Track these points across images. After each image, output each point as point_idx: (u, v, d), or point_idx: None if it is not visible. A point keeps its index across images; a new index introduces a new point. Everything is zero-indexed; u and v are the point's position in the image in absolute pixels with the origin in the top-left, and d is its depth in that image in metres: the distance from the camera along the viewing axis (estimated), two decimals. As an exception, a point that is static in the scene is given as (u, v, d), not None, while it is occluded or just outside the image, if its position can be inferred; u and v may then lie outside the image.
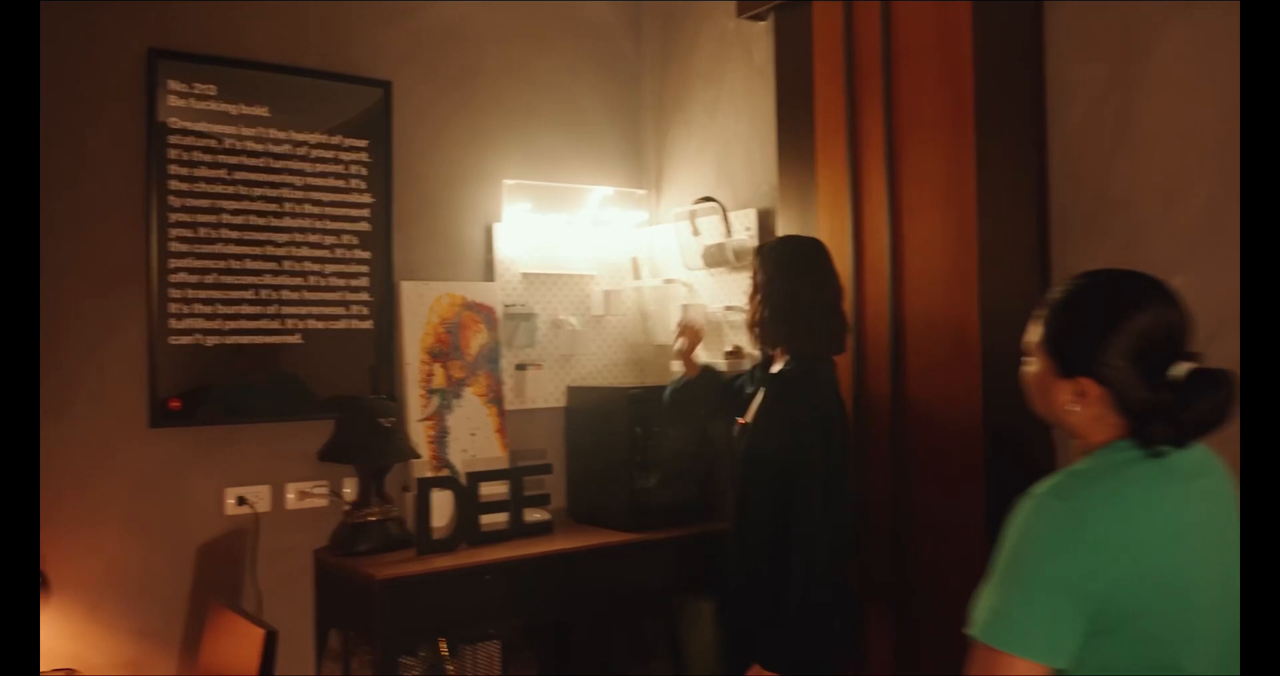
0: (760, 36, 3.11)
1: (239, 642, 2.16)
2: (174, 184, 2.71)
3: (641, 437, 3.05)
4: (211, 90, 2.77)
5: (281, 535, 2.82)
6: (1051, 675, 1.27)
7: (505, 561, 2.72)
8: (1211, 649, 1.32)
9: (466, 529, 2.81)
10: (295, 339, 2.87)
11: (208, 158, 2.76)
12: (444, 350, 3.09)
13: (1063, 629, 1.26)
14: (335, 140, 2.96)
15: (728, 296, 3.19)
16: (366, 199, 3.01)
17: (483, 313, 3.17)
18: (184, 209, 2.72)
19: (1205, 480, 1.36)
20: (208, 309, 2.74)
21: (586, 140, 3.48)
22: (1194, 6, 2.08)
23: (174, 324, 2.69)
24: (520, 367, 3.26)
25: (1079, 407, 1.36)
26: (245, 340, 2.80)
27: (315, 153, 2.93)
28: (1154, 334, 1.32)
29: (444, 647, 2.80)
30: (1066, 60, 2.30)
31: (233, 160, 2.79)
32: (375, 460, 2.82)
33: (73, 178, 2.58)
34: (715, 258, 3.17)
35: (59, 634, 2.49)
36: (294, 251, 2.88)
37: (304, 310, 2.89)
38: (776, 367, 2.39)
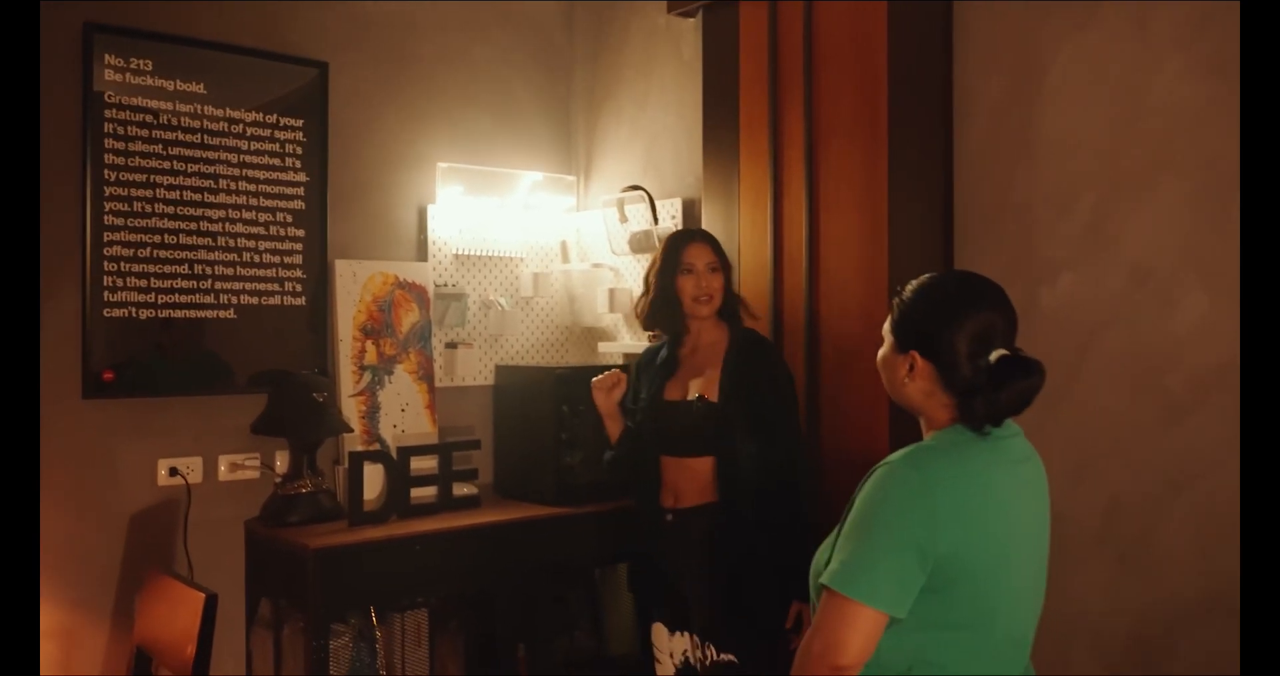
0: (689, 33, 3.24)
1: (178, 607, 2.22)
2: (110, 158, 2.73)
3: (567, 416, 3.17)
4: (148, 65, 2.79)
5: (213, 506, 2.88)
6: (886, 622, 1.43)
7: (434, 533, 2.82)
8: (1020, 609, 1.52)
9: (397, 501, 2.90)
10: (229, 314, 2.92)
11: (144, 132, 2.78)
12: (376, 328, 3.16)
13: (906, 582, 1.42)
14: (271, 119, 3.00)
15: (653, 282, 3.32)
16: (301, 178, 3.06)
17: (415, 292, 3.26)
18: (119, 182, 2.74)
19: (1028, 466, 1.56)
20: (142, 282, 2.77)
21: (519, 127, 3.57)
22: (1086, 29, 2.27)
23: (108, 296, 2.72)
24: (451, 346, 3.35)
25: (910, 380, 1.55)
26: (179, 314, 2.83)
27: (251, 130, 2.96)
28: (976, 320, 1.50)
29: (374, 616, 2.90)
30: (972, 73, 2.48)
31: (169, 136, 2.82)
32: (308, 434, 2.88)
33: (7, 149, 2.59)
34: (642, 244, 3.30)
35: (-12, 601, 2.52)
36: (229, 227, 2.92)
37: (238, 286, 2.93)
38: (714, 338, 2.60)
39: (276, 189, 3.01)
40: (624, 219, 3.37)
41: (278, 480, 2.90)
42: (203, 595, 2.14)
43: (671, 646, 2.61)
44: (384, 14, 3.25)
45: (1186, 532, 2.11)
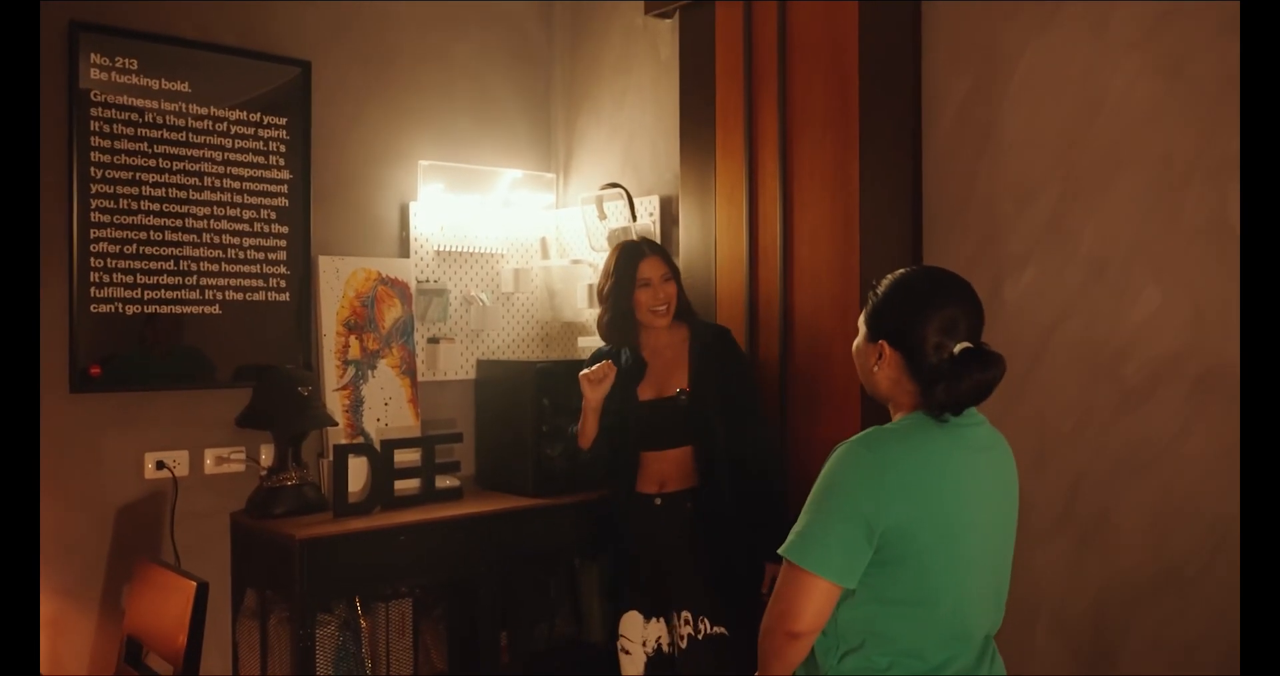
0: (666, 33, 3.31)
1: (169, 596, 2.27)
2: (95, 155, 2.77)
3: (547, 409, 3.23)
4: (133, 64, 2.83)
5: (199, 498, 2.92)
6: (839, 593, 1.52)
7: (417, 524, 2.88)
8: (969, 591, 1.58)
9: (381, 493, 2.96)
10: (214, 309, 2.97)
11: (129, 131, 2.83)
12: (359, 323, 3.21)
13: (855, 554, 1.51)
14: (255, 117, 3.05)
15: (631, 277, 3.39)
16: (285, 175, 3.11)
17: (397, 287, 3.31)
18: (105, 180, 2.79)
19: (993, 453, 1.64)
20: (128, 278, 2.82)
21: (499, 124, 3.63)
22: (1047, 29, 2.35)
23: (95, 292, 2.76)
24: (433, 341, 3.41)
25: (879, 368, 1.63)
26: (165, 309, 2.88)
27: (235, 129, 3.01)
28: (942, 313, 1.58)
29: (358, 605, 2.95)
30: (940, 72, 2.56)
31: (154, 134, 2.87)
32: (293, 427, 2.94)
33: (-6, 147, 2.62)
34: (620, 240, 3.36)
35: (-22, 592, 2.56)
36: (213, 224, 2.97)
37: (223, 282, 2.98)
38: (674, 337, 2.75)
39: (260, 186, 3.06)
40: (603, 216, 3.44)
41: (263, 473, 2.96)
42: (194, 583, 2.19)
43: (645, 634, 2.69)
44: (365, 12, 3.30)
45: (1141, 513, 2.20)
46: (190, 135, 2.93)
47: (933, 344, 1.57)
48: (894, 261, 2.62)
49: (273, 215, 3.08)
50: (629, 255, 2.73)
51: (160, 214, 2.87)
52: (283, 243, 3.10)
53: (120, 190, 2.81)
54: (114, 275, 2.79)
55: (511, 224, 3.60)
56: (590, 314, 3.54)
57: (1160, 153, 2.17)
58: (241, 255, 3.02)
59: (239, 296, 3.01)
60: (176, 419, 2.90)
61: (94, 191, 2.77)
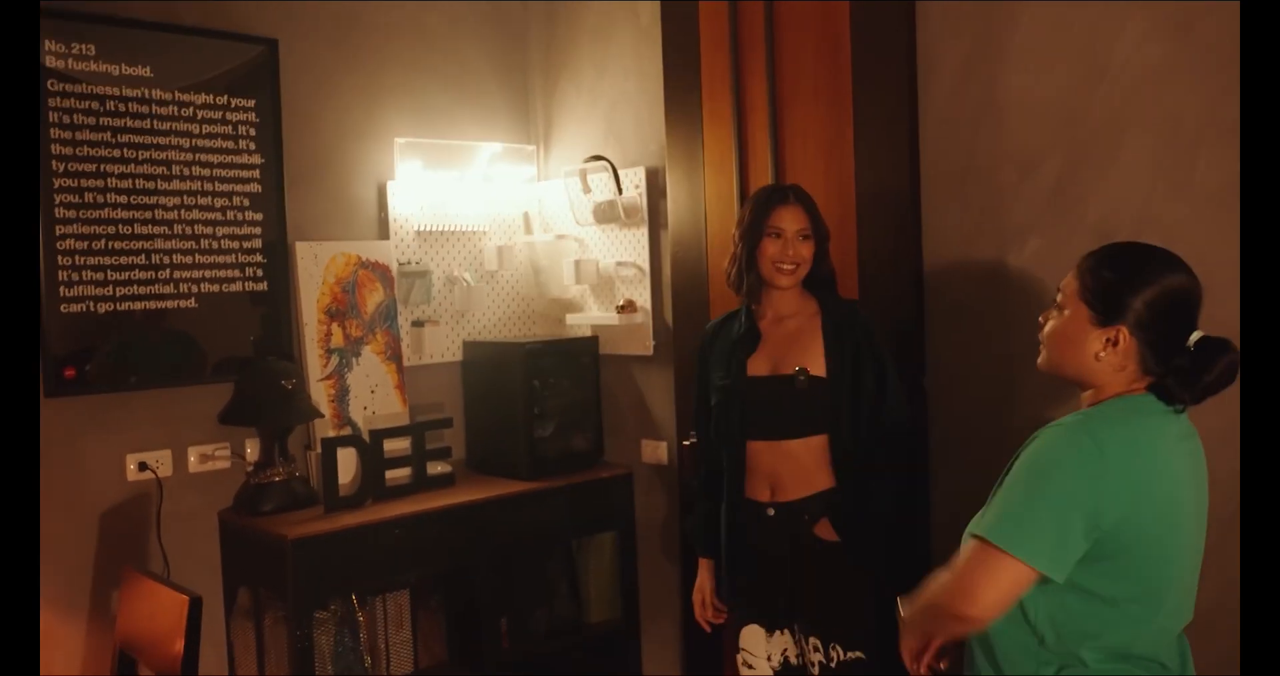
0: (646, -2, 3.19)
1: (161, 609, 2.20)
2: (57, 148, 2.64)
3: (538, 390, 3.17)
4: (90, 50, 2.69)
5: (185, 498, 2.84)
6: (1036, 581, 1.40)
7: (411, 515, 2.82)
8: (1186, 583, 1.49)
9: (372, 485, 2.89)
10: (190, 303, 2.86)
11: (90, 120, 2.70)
12: (341, 309, 3.12)
13: (1068, 544, 1.39)
14: (221, 100, 2.92)
15: (619, 252, 3.30)
16: (256, 159, 2.99)
17: (378, 271, 3.21)
18: (68, 173, 2.66)
19: (1191, 443, 1.54)
20: (98, 275, 2.71)
21: (475, 97, 3.51)
22: (1049, -10, 2.26)
23: (64, 291, 2.65)
24: (417, 324, 3.32)
25: (1106, 355, 1.50)
26: (139, 305, 2.77)
27: (202, 113, 2.88)
28: (1183, 296, 1.48)
29: (354, 600, 2.89)
30: (935, 35, 2.46)
31: (117, 122, 2.74)
32: (277, 421, 2.85)
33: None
34: (606, 214, 3.27)
35: (-38, 606, 2.48)
36: (184, 214, 2.85)
37: (197, 273, 2.88)
38: (799, 307, 2.34)
39: (231, 172, 2.94)
40: (587, 189, 3.34)
41: (249, 469, 2.88)
42: (186, 597, 2.12)
43: (770, 648, 2.34)
44: (331, -14, 3.16)
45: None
46: (155, 122, 2.80)
47: (1176, 331, 1.47)
48: (892, 230, 2.55)
49: (245, 202, 2.96)
50: (765, 198, 2.33)
51: (128, 206, 2.75)
52: (257, 230, 2.99)
53: (85, 183, 2.69)
54: (83, 272, 2.68)
55: (493, 200, 3.49)
56: (578, 290, 3.46)
57: (1168, 116, 2.10)
58: (215, 245, 2.91)
59: (215, 288, 2.91)
60: (157, 418, 2.81)
61: (57, 186, 2.64)
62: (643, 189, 3.22)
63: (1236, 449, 1.47)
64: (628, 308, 3.24)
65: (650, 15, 3.17)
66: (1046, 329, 1.61)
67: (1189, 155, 2.07)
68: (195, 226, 2.87)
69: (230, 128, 2.94)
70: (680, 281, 3.10)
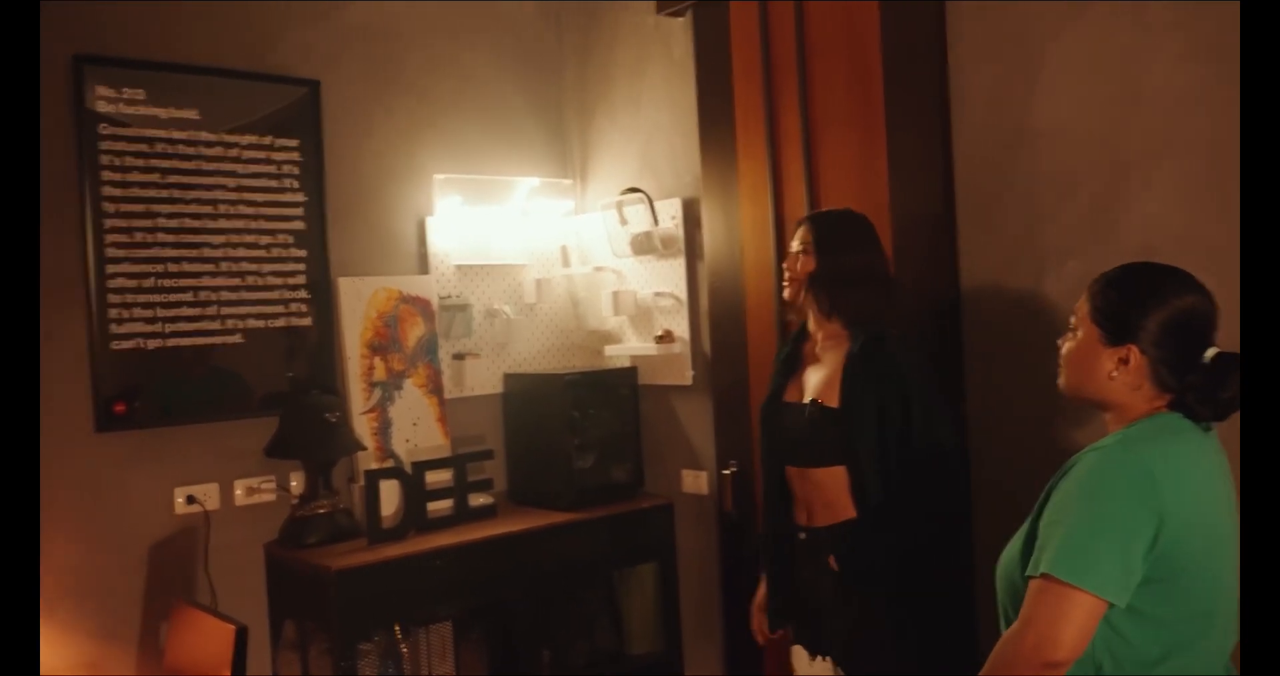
0: (679, 32, 3.23)
1: (207, 639, 2.23)
2: (108, 190, 2.72)
3: (578, 420, 3.18)
4: (140, 94, 2.78)
5: (232, 531, 2.88)
6: (1103, 613, 1.37)
7: (453, 546, 2.84)
8: (1232, 604, 1.46)
9: (414, 516, 2.91)
10: (236, 338, 2.92)
11: (140, 162, 2.78)
12: (383, 343, 3.16)
13: (1129, 567, 1.36)
14: (266, 140, 2.99)
15: (657, 283, 3.32)
16: (300, 198, 3.05)
17: (419, 305, 3.25)
18: (119, 214, 2.74)
19: (1222, 459, 1.53)
20: (147, 313, 2.77)
21: (512, 132, 3.56)
22: (1083, 14, 2.26)
23: (115, 329, 2.72)
24: (458, 357, 3.35)
25: (1119, 374, 1.49)
26: (186, 342, 2.83)
27: (247, 153, 2.96)
28: (1194, 314, 1.47)
29: (398, 632, 2.91)
30: (967, 61, 2.47)
31: (165, 164, 2.81)
32: (321, 454, 2.89)
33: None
34: (643, 245, 3.30)
35: (16, 638, 2.52)
36: (230, 252, 2.92)
37: (243, 310, 2.93)
38: (833, 331, 2.29)
39: (276, 210, 3.00)
40: (624, 221, 3.37)
41: (294, 501, 2.91)
42: (234, 627, 2.15)
43: (813, 670, 2.34)
44: (370, 27, 3.23)
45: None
46: (202, 162, 2.88)
47: (1189, 349, 1.46)
48: (928, 257, 2.55)
49: (290, 239, 3.03)
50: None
51: (176, 245, 2.82)
52: (301, 266, 3.05)
53: (135, 223, 2.76)
54: (133, 310, 2.75)
55: (531, 233, 3.54)
56: (616, 321, 3.48)
57: (1207, 138, 2.08)
58: (261, 282, 2.97)
59: (260, 324, 2.96)
60: (204, 451, 2.86)
61: (108, 226, 2.72)
62: (679, 220, 3.24)
63: (1236, 450, 1.45)
64: (666, 338, 3.25)
65: (683, 49, 3.22)
66: (1063, 351, 1.61)
67: (1231, 176, 2.05)
68: (241, 263, 2.93)
69: (274, 167, 3.00)
70: (718, 311, 3.11)
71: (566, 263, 3.62)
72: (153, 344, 2.78)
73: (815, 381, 2.30)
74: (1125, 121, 2.20)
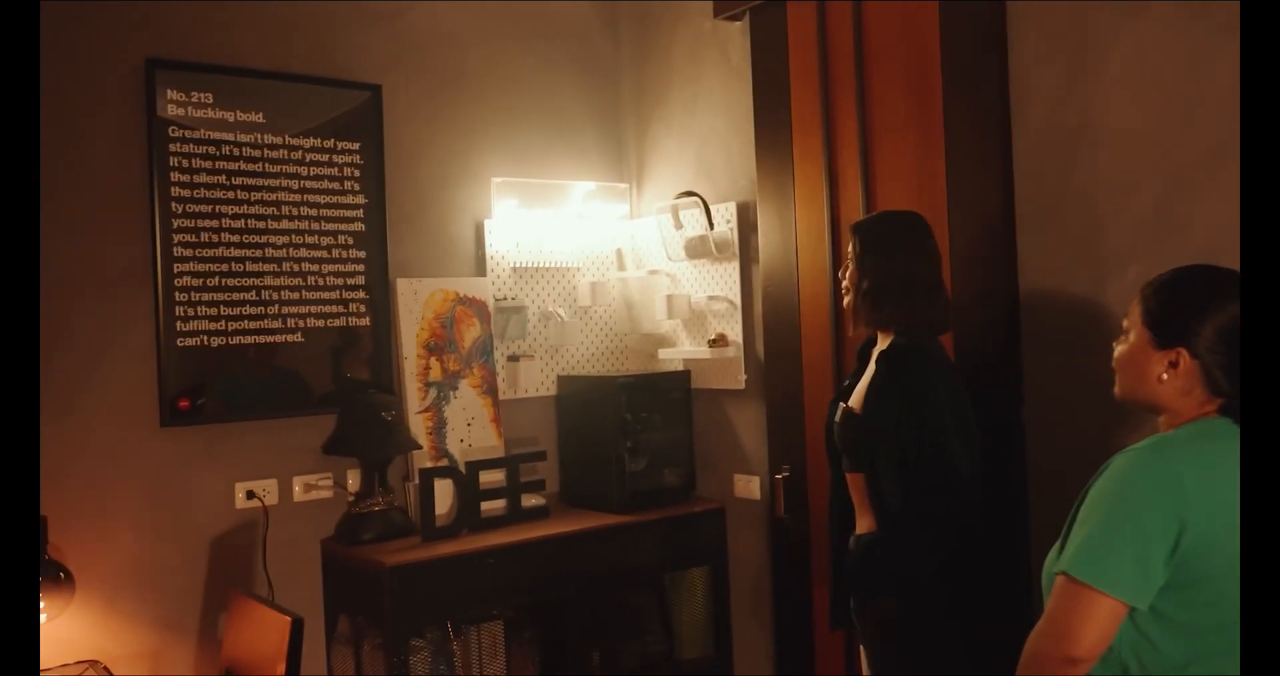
0: (736, 36, 3.23)
1: (265, 630, 2.28)
2: (175, 190, 2.80)
3: (631, 423, 3.19)
4: (208, 98, 2.86)
5: (289, 526, 2.94)
6: (1124, 615, 1.37)
7: (506, 546, 2.86)
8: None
9: (468, 515, 2.94)
10: (297, 337, 2.98)
11: (207, 164, 2.85)
12: (440, 344, 3.20)
13: (1150, 570, 1.36)
14: (329, 143, 3.06)
15: (711, 286, 3.32)
16: (360, 200, 3.11)
17: (475, 307, 3.29)
18: (186, 214, 2.81)
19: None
20: (212, 311, 2.84)
21: (569, 136, 3.59)
22: (1142, 14, 2.22)
23: (180, 326, 2.79)
24: (513, 359, 3.38)
25: (1168, 377, 1.48)
26: (249, 340, 2.90)
27: (310, 156, 3.02)
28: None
29: (450, 629, 2.94)
30: (1027, 62, 2.44)
31: (231, 166, 2.89)
32: (377, 452, 2.94)
33: (76, 186, 2.67)
34: (698, 249, 3.30)
35: (81, 627, 2.60)
36: (292, 253, 2.98)
37: (304, 309, 2.99)
38: (880, 347, 2.28)
39: (337, 212, 3.06)
40: (679, 225, 3.37)
41: (350, 498, 2.96)
42: (289, 618, 2.19)
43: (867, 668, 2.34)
44: (430, 33, 3.29)
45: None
46: (266, 165, 2.94)
47: (1237, 353, 1.44)
48: (986, 262, 2.52)
49: (350, 240, 3.08)
50: (928, 228, 2.33)
51: (240, 245, 2.89)
52: (361, 267, 3.10)
53: (201, 224, 2.83)
54: (198, 308, 2.82)
55: (586, 237, 3.56)
56: (670, 324, 3.49)
57: (1275, 139, 2.03)
58: (321, 282, 3.03)
59: (320, 323, 3.02)
60: (264, 448, 2.92)
61: (176, 226, 2.79)
62: (734, 224, 3.24)
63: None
64: (719, 342, 3.25)
65: (740, 54, 3.22)
66: (1116, 354, 1.60)
67: (1298, 178, 1.99)
68: (302, 264, 2.99)
69: (336, 170, 3.06)
70: (771, 315, 3.10)
71: (621, 266, 3.64)
72: (216, 342, 2.85)
73: (860, 386, 2.31)
74: (1188, 123, 2.16)
